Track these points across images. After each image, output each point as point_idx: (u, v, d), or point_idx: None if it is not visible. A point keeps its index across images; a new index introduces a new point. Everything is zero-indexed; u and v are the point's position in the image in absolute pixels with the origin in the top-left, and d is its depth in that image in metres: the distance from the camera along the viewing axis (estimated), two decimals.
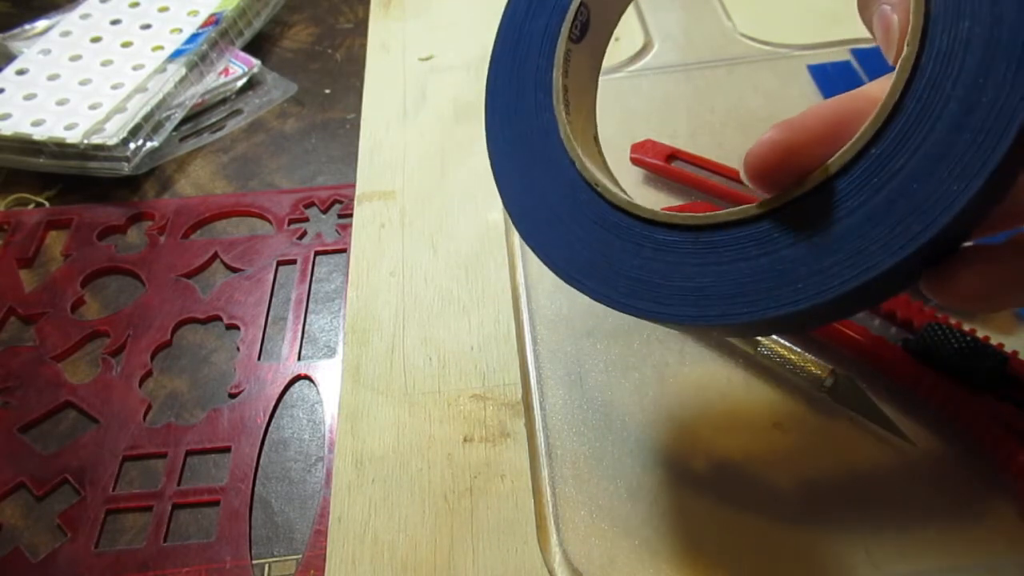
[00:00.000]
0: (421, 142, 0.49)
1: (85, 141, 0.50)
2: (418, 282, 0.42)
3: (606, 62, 0.53)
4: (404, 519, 0.33)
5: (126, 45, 0.57)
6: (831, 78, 0.50)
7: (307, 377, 0.42)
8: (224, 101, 0.57)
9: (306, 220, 0.49)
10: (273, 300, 0.45)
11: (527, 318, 0.40)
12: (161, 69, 0.55)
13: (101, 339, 0.44)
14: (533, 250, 0.28)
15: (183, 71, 0.55)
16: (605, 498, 0.33)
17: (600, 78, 0.52)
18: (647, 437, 0.35)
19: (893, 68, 0.22)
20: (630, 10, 0.57)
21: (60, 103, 0.53)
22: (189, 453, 0.39)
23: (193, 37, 0.57)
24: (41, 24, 0.61)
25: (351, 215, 0.46)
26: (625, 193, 0.27)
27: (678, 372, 0.37)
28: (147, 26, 0.58)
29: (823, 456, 0.34)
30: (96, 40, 0.58)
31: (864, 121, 0.22)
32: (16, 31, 0.61)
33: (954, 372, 0.33)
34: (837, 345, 0.36)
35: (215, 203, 0.51)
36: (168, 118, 0.53)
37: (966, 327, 0.34)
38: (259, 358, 0.42)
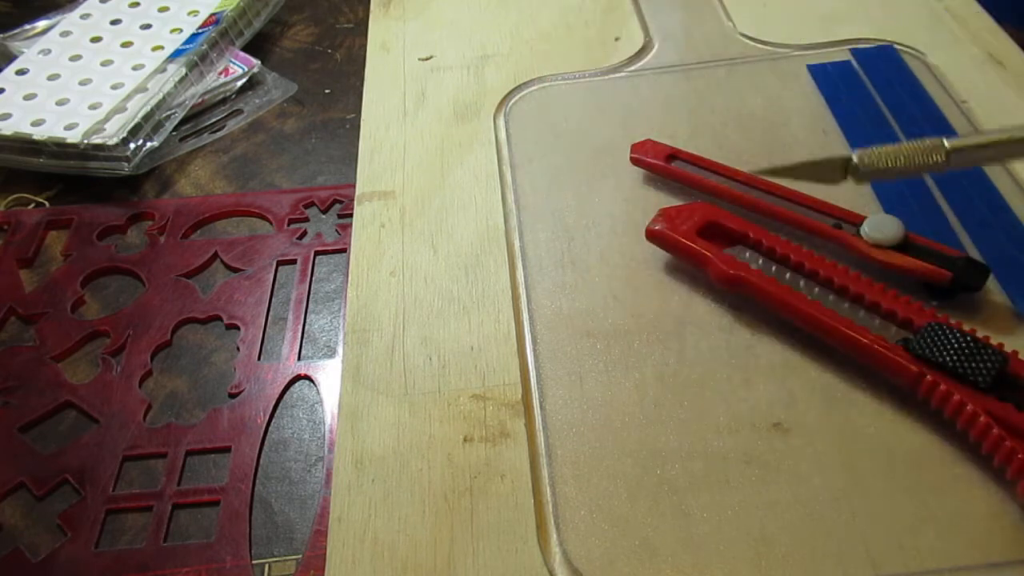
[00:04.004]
0: (421, 142, 0.49)
1: (85, 141, 0.50)
2: (418, 282, 0.42)
3: (606, 62, 0.54)
4: (404, 519, 0.33)
5: (126, 45, 0.57)
6: (831, 78, 0.50)
7: (307, 377, 0.42)
8: (224, 101, 0.57)
9: (306, 220, 0.49)
10: (273, 300, 0.45)
11: (527, 318, 0.40)
12: (161, 69, 0.55)
13: (101, 339, 0.44)
14: None
15: (183, 71, 0.55)
16: (605, 498, 0.33)
17: (600, 78, 0.52)
18: (647, 437, 0.35)
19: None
20: (630, 10, 0.57)
21: (60, 103, 0.53)
22: (189, 453, 0.39)
23: (193, 37, 0.57)
24: (41, 24, 0.61)
25: (351, 215, 0.46)
26: None
27: (678, 372, 0.37)
28: (147, 26, 0.59)
29: (823, 456, 0.34)
30: (96, 40, 0.58)
31: None
32: (16, 31, 0.61)
33: (954, 372, 0.33)
34: (837, 344, 0.36)
35: (215, 203, 0.51)
36: (168, 118, 0.53)
37: (966, 327, 0.34)
38: (259, 358, 0.42)
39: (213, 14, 0.58)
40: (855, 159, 0.25)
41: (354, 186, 0.47)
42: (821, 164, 0.27)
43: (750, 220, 0.40)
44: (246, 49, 0.59)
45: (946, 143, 0.24)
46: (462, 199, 0.46)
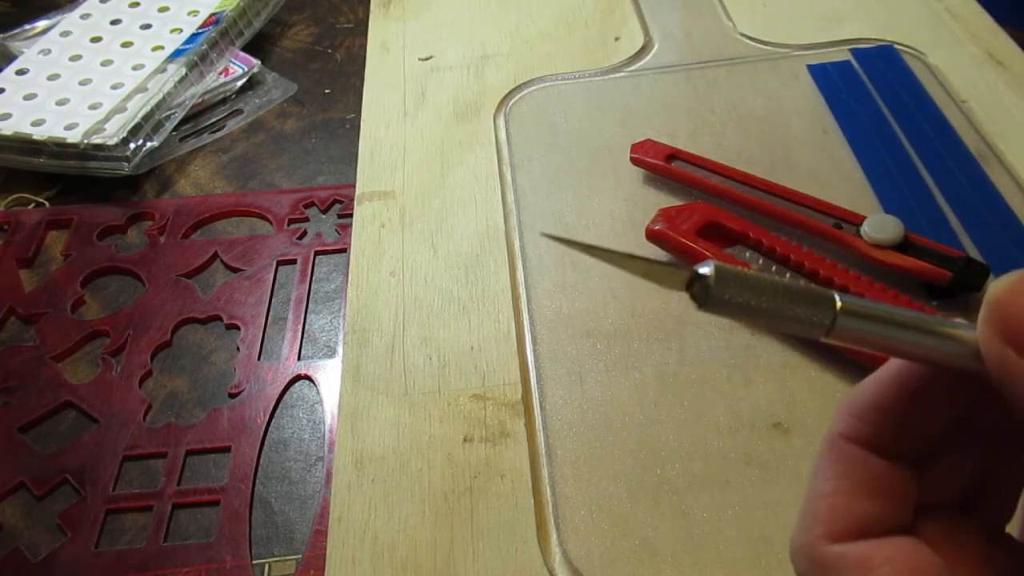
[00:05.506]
0: (421, 142, 0.49)
1: (85, 141, 0.50)
2: (418, 282, 0.42)
3: (606, 62, 0.54)
4: (404, 519, 0.33)
5: (126, 45, 0.57)
6: (831, 78, 0.50)
7: (307, 377, 0.42)
8: (224, 101, 0.57)
9: (306, 220, 0.49)
10: (273, 300, 0.45)
11: (527, 318, 0.40)
12: (161, 69, 0.55)
13: (101, 339, 0.44)
14: None
15: (183, 71, 0.55)
16: (605, 498, 0.33)
17: (600, 78, 0.52)
18: (647, 437, 0.35)
19: None
20: (630, 10, 0.57)
21: (60, 103, 0.53)
22: (189, 453, 0.39)
23: (193, 37, 0.57)
24: (41, 24, 0.61)
25: (351, 215, 0.46)
26: None
27: (678, 372, 0.37)
28: (147, 26, 0.58)
29: None
30: (96, 40, 0.58)
31: None
32: (16, 31, 0.61)
33: None
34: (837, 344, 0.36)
35: (215, 203, 0.51)
36: (168, 118, 0.53)
37: None
38: (259, 358, 0.42)
39: (213, 14, 0.58)
40: (709, 274, 0.17)
41: (354, 186, 0.47)
42: (657, 267, 0.18)
43: (750, 220, 0.40)
44: (246, 49, 0.59)
45: (838, 301, 0.18)
46: (462, 199, 0.46)
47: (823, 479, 0.19)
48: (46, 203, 0.52)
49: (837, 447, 0.19)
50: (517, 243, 0.43)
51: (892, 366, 0.19)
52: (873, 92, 0.48)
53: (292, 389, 0.41)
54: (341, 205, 0.50)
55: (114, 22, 0.59)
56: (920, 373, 0.19)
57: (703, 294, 0.17)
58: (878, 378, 0.19)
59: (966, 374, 0.18)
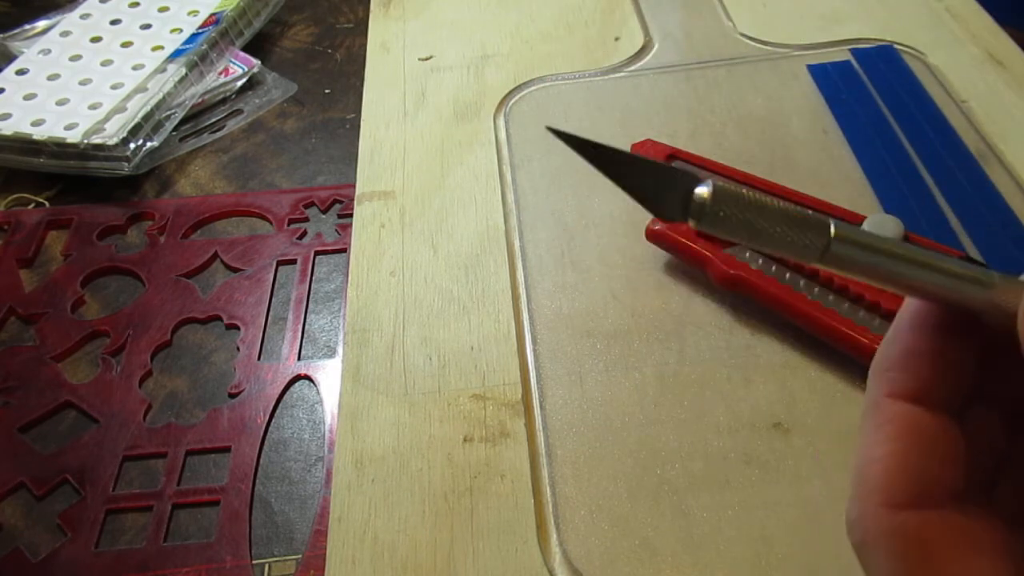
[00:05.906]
0: (421, 142, 0.49)
1: (85, 141, 0.50)
2: (418, 282, 0.42)
3: (606, 62, 0.54)
4: (404, 519, 0.33)
5: (126, 45, 0.57)
6: (831, 78, 0.50)
7: (307, 377, 0.42)
8: (224, 101, 0.57)
9: (306, 220, 0.49)
10: (273, 300, 0.45)
11: (527, 318, 0.40)
12: (161, 69, 0.55)
13: (101, 339, 0.44)
14: None
15: (183, 71, 0.55)
16: (605, 498, 0.33)
17: (600, 78, 0.52)
18: (647, 437, 0.35)
19: None
20: (630, 10, 0.57)
21: (60, 103, 0.53)
22: (189, 453, 0.39)
23: (193, 37, 0.57)
24: (41, 24, 0.61)
25: (351, 215, 0.46)
26: None
27: (678, 372, 0.37)
28: (147, 26, 0.58)
29: (823, 456, 0.34)
30: (96, 40, 0.58)
31: None
32: (16, 31, 0.61)
33: None
34: (837, 344, 0.36)
35: (215, 203, 0.51)
36: (168, 118, 0.53)
37: None
38: (259, 358, 0.42)
39: (213, 14, 0.58)
40: (706, 193, 0.17)
41: (354, 186, 0.47)
42: (654, 171, 0.19)
43: None
44: (246, 49, 0.59)
45: (833, 227, 0.18)
46: (462, 199, 0.46)
47: (873, 444, 0.18)
48: (46, 203, 0.52)
49: (883, 408, 0.18)
50: (517, 243, 0.43)
51: (905, 311, 0.19)
52: (873, 92, 0.48)
53: (292, 389, 0.41)
54: (341, 205, 0.50)
55: (114, 22, 0.59)
56: (932, 308, 0.19)
57: (699, 210, 0.17)
58: (898, 326, 0.19)
59: (961, 305, 0.18)
